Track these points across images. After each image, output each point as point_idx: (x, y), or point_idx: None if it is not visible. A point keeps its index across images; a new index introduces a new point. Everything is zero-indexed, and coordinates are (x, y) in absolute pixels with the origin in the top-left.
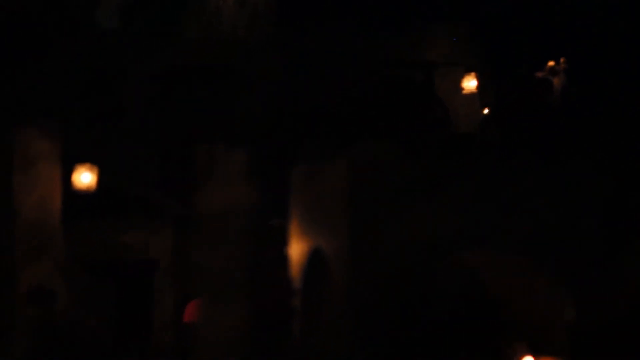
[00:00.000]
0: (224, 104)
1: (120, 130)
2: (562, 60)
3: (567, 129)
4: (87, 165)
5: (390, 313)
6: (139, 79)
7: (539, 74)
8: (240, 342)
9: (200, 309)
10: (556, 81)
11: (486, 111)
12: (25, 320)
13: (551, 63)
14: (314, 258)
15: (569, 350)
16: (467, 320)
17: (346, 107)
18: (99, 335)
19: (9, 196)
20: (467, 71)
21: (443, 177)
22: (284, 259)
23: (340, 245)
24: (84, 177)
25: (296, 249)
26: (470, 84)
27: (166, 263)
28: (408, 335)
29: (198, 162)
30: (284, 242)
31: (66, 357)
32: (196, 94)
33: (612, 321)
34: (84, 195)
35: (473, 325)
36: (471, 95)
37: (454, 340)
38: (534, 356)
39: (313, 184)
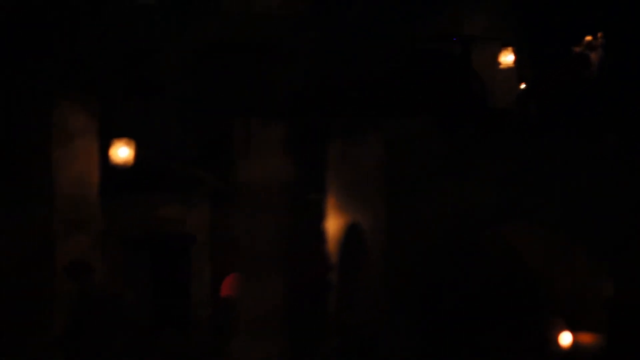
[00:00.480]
0: (261, 78)
1: (158, 104)
2: (599, 35)
3: (604, 103)
4: (125, 139)
5: (426, 287)
6: (176, 53)
7: (576, 49)
8: (277, 316)
9: (237, 283)
10: (593, 56)
11: (523, 86)
12: (63, 294)
13: (589, 38)
14: (350, 232)
15: (607, 326)
16: (504, 295)
17: (382, 82)
18: (137, 310)
19: (47, 171)
20: (504, 46)
21: (479, 151)
22: (320, 233)
23: (377, 220)
24: (122, 152)
25: (333, 224)
26: (507, 58)
27: (203, 237)
28: (444, 310)
29: (235, 136)
30: (320, 217)
31: (104, 331)
32: (233, 68)
33: None
34: (121, 169)
35: (510, 300)
36: (508, 70)
37: (491, 315)
38: (571, 331)
39: (349, 159)
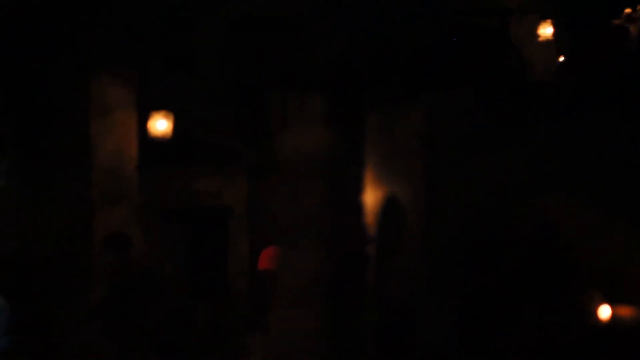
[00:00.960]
0: (299, 49)
1: (196, 77)
2: (639, 7)
3: None
4: (163, 112)
5: (465, 260)
6: (213, 26)
7: (616, 22)
8: (315, 289)
9: (275, 256)
10: (633, 29)
11: (562, 59)
12: (101, 267)
13: (628, 10)
14: (389, 205)
15: None
16: (541, 268)
17: (421, 55)
18: (175, 282)
19: (85, 143)
20: (543, 18)
21: (518, 124)
22: (359, 206)
23: (415, 193)
24: (160, 125)
25: (371, 197)
26: (546, 31)
27: (241, 210)
28: (483, 282)
29: (273, 108)
30: (359, 190)
31: (142, 303)
32: (271, 40)
33: None
34: (159, 142)
35: (548, 273)
36: (547, 43)
37: (528, 287)
38: (609, 305)
39: (388, 132)
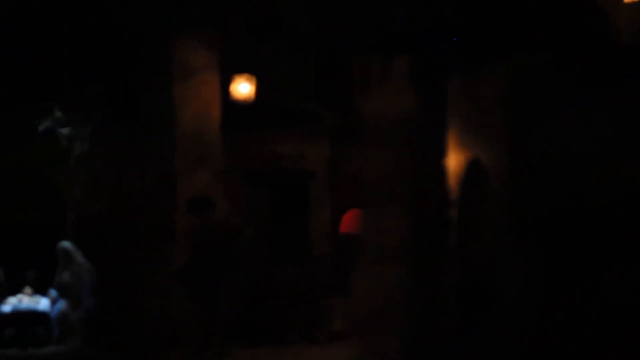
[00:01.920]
0: (383, 13)
1: (279, 40)
2: None
3: None
4: (246, 75)
5: (548, 224)
6: None
7: None
8: (398, 253)
9: (358, 219)
10: None
11: None
12: (185, 229)
13: None
14: (472, 169)
15: None
16: (626, 232)
17: (505, 16)
18: (257, 245)
19: (169, 107)
20: None
21: (603, 89)
22: (441, 170)
23: (498, 156)
24: (243, 88)
25: (454, 159)
26: None
27: (323, 173)
28: (567, 247)
29: (355, 71)
30: (442, 153)
31: (225, 265)
32: (355, 2)
33: None
34: (242, 105)
35: (632, 237)
36: (633, 5)
37: (613, 252)
38: None
39: (471, 94)
